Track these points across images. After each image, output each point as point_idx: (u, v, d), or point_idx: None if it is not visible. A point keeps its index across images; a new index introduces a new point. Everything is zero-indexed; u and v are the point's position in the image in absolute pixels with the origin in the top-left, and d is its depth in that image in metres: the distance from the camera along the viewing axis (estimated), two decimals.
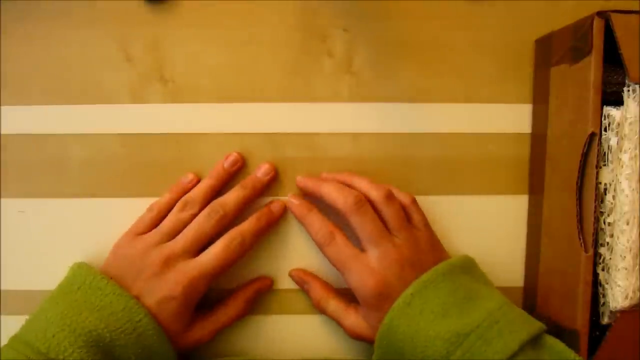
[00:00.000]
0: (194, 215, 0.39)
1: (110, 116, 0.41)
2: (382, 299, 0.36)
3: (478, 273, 0.39)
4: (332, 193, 0.38)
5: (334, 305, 0.40)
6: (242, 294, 0.41)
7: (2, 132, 0.41)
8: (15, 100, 0.41)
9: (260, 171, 0.41)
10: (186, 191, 0.40)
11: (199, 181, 0.41)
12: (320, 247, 0.39)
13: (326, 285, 0.41)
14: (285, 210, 0.42)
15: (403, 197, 0.40)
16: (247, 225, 0.39)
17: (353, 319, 0.39)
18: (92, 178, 0.42)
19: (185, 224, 0.39)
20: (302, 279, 0.42)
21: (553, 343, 0.34)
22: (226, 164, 0.41)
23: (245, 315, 0.41)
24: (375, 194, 0.38)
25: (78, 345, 0.33)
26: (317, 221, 0.39)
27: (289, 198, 0.41)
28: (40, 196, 0.42)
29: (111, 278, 0.37)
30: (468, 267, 0.38)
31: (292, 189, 0.42)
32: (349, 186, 0.39)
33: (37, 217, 0.42)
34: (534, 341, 0.34)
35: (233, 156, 0.41)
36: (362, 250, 0.38)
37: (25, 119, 0.41)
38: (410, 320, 0.35)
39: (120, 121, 0.42)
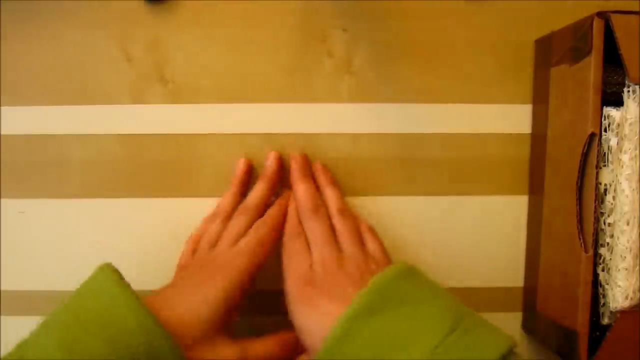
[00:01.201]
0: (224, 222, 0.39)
1: (110, 116, 0.41)
2: (309, 304, 0.33)
3: (408, 293, 0.32)
4: (299, 193, 0.39)
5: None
6: (279, 337, 0.36)
7: (2, 132, 0.41)
8: (15, 100, 0.41)
9: (269, 160, 0.41)
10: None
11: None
12: (284, 238, 0.39)
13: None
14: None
15: (360, 222, 0.40)
16: (268, 214, 0.39)
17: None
18: (92, 178, 0.42)
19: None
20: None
21: None
22: (239, 174, 0.41)
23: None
24: (332, 206, 0.39)
25: None
26: (291, 217, 0.39)
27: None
28: (40, 196, 0.42)
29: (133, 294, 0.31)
30: (390, 294, 0.31)
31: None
32: (321, 192, 0.40)
33: (37, 217, 0.42)
34: None
35: (242, 163, 0.41)
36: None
37: (25, 119, 0.41)
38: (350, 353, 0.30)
39: (120, 121, 0.42)
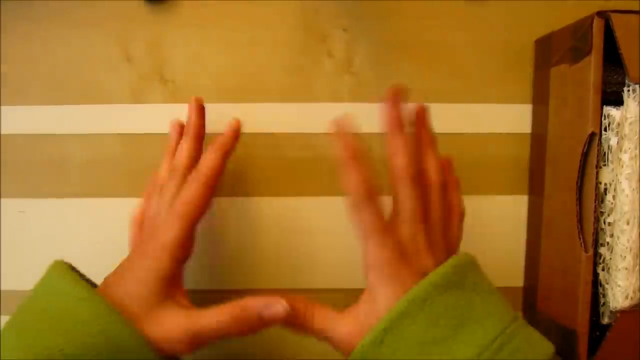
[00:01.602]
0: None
1: (110, 116, 0.41)
2: (397, 280, 0.31)
3: (474, 280, 0.32)
4: (402, 150, 0.34)
5: (319, 317, 0.32)
6: (235, 304, 0.32)
7: (2, 132, 0.41)
8: (15, 100, 0.41)
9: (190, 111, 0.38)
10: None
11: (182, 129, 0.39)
12: (356, 203, 0.32)
13: (306, 300, 0.33)
14: (237, 131, 0.37)
15: (454, 202, 0.36)
16: (201, 163, 0.35)
17: (345, 325, 0.32)
18: (92, 178, 0.42)
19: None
20: (276, 308, 0.32)
21: None
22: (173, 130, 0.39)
23: (235, 333, 0.31)
24: (433, 178, 0.35)
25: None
26: (365, 172, 0.33)
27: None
28: (40, 196, 0.42)
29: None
30: (461, 275, 0.31)
31: (293, 189, 0.42)
32: (418, 151, 0.36)
33: (37, 217, 0.42)
34: None
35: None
36: (394, 221, 0.33)
37: (25, 119, 0.41)
38: (392, 351, 0.29)
39: (120, 121, 0.42)
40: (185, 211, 0.33)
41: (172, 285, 0.32)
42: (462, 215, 0.37)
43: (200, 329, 0.31)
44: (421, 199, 0.33)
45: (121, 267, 0.34)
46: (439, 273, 0.31)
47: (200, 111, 0.38)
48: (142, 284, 0.31)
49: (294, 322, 0.32)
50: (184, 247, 0.33)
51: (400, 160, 0.34)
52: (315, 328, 0.32)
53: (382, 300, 0.31)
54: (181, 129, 0.39)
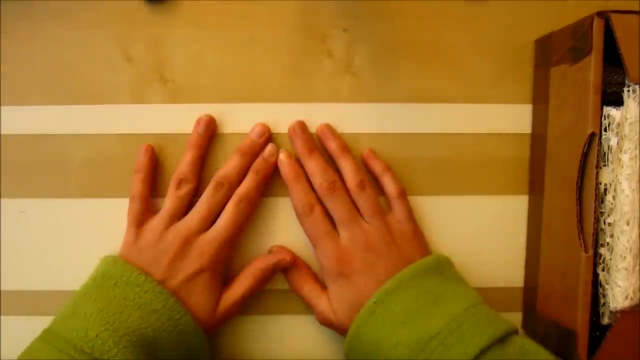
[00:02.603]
0: (192, 189, 0.40)
1: (110, 116, 0.41)
2: (343, 277, 0.38)
3: (449, 272, 0.39)
4: (314, 170, 0.40)
5: (308, 287, 0.40)
6: (253, 269, 0.40)
7: (2, 132, 0.41)
8: (15, 100, 0.41)
9: (254, 133, 0.41)
10: (148, 165, 0.40)
11: (152, 150, 0.41)
12: (299, 217, 0.40)
13: (305, 267, 0.41)
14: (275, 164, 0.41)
15: (391, 188, 0.41)
16: (249, 183, 0.40)
17: (324, 304, 0.39)
18: (92, 178, 0.42)
19: (185, 200, 0.39)
20: (283, 256, 0.40)
21: (524, 343, 0.34)
22: (200, 130, 0.40)
23: (257, 289, 0.40)
24: (350, 181, 0.40)
25: (123, 345, 0.33)
26: (302, 191, 0.40)
27: (280, 154, 0.41)
28: (40, 196, 0.42)
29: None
30: (438, 268, 0.38)
31: None
32: (336, 163, 0.41)
33: (37, 217, 0.42)
34: (501, 342, 0.34)
35: (203, 120, 0.41)
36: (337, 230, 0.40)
37: (25, 119, 0.41)
38: (374, 328, 0.36)
39: (120, 121, 0.42)
40: (229, 233, 0.39)
41: (220, 286, 0.40)
42: (401, 193, 0.41)
43: (235, 302, 0.39)
44: (345, 204, 0.39)
45: (173, 268, 0.38)
46: (423, 262, 0.38)
47: (267, 138, 0.41)
48: (207, 302, 0.38)
49: (290, 281, 0.41)
50: (227, 259, 0.40)
51: (315, 180, 0.40)
52: (303, 295, 0.41)
53: (341, 289, 0.38)
54: (210, 125, 0.41)
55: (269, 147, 0.40)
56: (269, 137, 0.41)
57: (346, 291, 0.38)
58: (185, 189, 0.39)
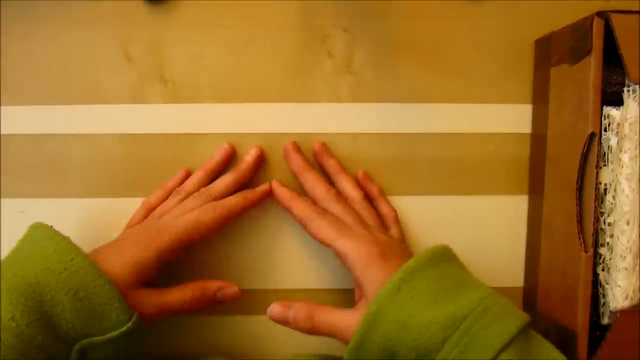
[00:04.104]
0: (181, 200, 0.40)
1: (110, 116, 0.41)
2: (383, 262, 0.35)
3: (460, 262, 0.37)
4: (315, 182, 0.40)
5: (325, 312, 0.36)
6: (194, 284, 0.38)
7: (2, 132, 0.41)
8: (15, 100, 0.41)
9: (248, 154, 0.41)
10: (176, 186, 0.41)
11: (188, 175, 0.42)
12: (310, 221, 0.38)
13: (311, 302, 0.37)
14: (268, 194, 0.41)
15: (387, 210, 0.41)
16: (234, 199, 0.39)
17: (352, 314, 0.35)
18: (92, 178, 0.42)
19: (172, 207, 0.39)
20: (230, 285, 0.38)
21: (539, 337, 0.33)
22: (217, 156, 0.41)
23: (195, 309, 0.37)
24: (353, 194, 0.40)
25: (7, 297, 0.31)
26: (306, 201, 0.39)
27: (273, 183, 0.41)
28: (40, 196, 0.42)
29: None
30: (450, 256, 0.37)
31: (294, 190, 0.42)
32: (334, 181, 0.41)
33: (37, 217, 0.42)
34: (525, 330, 0.32)
35: (223, 147, 0.41)
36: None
37: (25, 119, 0.41)
38: (401, 307, 0.33)
39: (120, 121, 0.42)
40: (188, 229, 0.37)
41: (147, 275, 0.36)
42: (396, 216, 0.41)
43: (167, 305, 0.36)
44: (353, 210, 0.39)
45: (115, 244, 0.37)
46: (434, 248, 0.35)
47: (259, 159, 0.41)
48: (125, 268, 0.34)
49: (300, 326, 0.36)
50: (171, 256, 0.36)
51: (319, 189, 0.40)
52: (321, 329, 0.36)
53: (376, 283, 0.34)
54: (230, 155, 0.42)
55: (253, 150, 0.41)
56: (260, 156, 0.41)
57: (384, 272, 0.35)
58: (176, 199, 0.40)
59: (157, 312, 0.36)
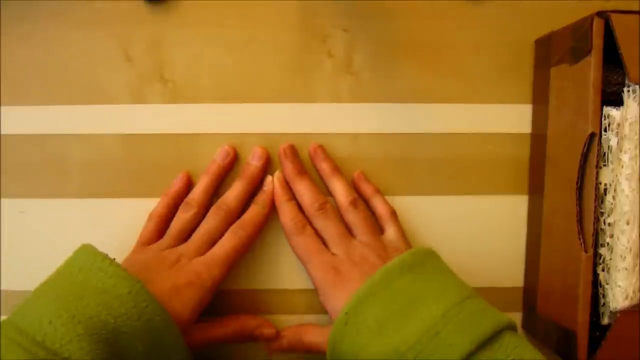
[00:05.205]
0: (197, 215, 0.40)
1: (110, 116, 0.41)
2: (338, 287, 0.36)
3: (431, 266, 0.36)
4: (304, 191, 0.40)
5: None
6: (235, 320, 0.40)
7: (2, 132, 0.41)
8: (15, 100, 0.41)
9: (254, 158, 0.41)
10: (179, 192, 0.41)
11: (189, 179, 0.41)
12: (289, 235, 0.40)
13: (297, 326, 0.41)
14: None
15: (382, 209, 0.41)
16: (249, 213, 0.40)
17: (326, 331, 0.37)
18: (92, 178, 0.42)
19: (190, 224, 0.40)
20: (268, 325, 0.40)
21: (517, 344, 0.31)
22: (218, 159, 0.41)
23: (232, 342, 0.40)
24: (341, 199, 0.40)
25: (77, 332, 0.30)
26: (291, 211, 0.40)
27: (275, 179, 0.41)
28: (40, 196, 0.42)
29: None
30: (416, 263, 0.35)
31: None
32: (327, 184, 0.41)
33: (37, 217, 0.42)
34: (490, 343, 0.31)
35: (224, 150, 0.41)
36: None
37: (25, 119, 0.41)
38: (350, 340, 0.34)
39: (120, 121, 0.42)
40: (232, 259, 0.38)
41: (200, 313, 0.37)
42: (392, 213, 0.41)
43: (210, 339, 0.38)
44: (336, 224, 0.39)
45: (164, 279, 0.36)
46: (395, 261, 0.35)
47: (266, 161, 0.41)
48: (188, 311, 0.35)
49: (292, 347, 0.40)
50: (218, 286, 0.38)
51: (304, 201, 0.40)
52: (305, 343, 0.39)
53: (337, 302, 0.36)
54: (233, 157, 0.41)
55: (268, 179, 0.41)
56: (268, 159, 0.41)
57: (340, 301, 0.35)
58: (190, 213, 0.40)
59: (201, 345, 0.37)
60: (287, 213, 0.40)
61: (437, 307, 0.32)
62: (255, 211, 0.40)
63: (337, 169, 0.41)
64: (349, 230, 0.40)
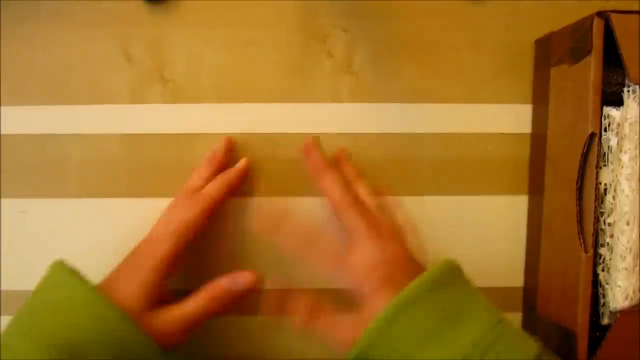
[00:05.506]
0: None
1: (110, 116, 0.41)
2: (387, 279, 0.34)
3: (462, 281, 0.35)
4: (334, 184, 0.38)
5: (324, 319, 0.36)
6: (206, 287, 0.36)
7: (2, 132, 0.41)
8: (15, 100, 0.41)
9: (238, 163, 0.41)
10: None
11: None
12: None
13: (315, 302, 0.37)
14: (246, 171, 0.40)
15: (402, 220, 0.40)
16: (205, 188, 0.38)
17: (349, 327, 0.34)
18: (92, 178, 0.42)
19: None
20: (246, 275, 0.37)
21: None
22: (217, 149, 0.41)
23: (216, 311, 0.36)
24: (369, 201, 0.38)
25: (32, 349, 0.30)
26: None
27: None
28: (40, 196, 0.42)
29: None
30: (451, 276, 0.34)
31: (294, 190, 0.42)
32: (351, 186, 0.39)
33: (37, 217, 0.42)
34: None
35: (224, 139, 0.41)
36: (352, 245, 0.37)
37: (25, 119, 0.41)
38: (391, 346, 0.31)
39: (120, 121, 0.42)
40: (179, 232, 0.36)
41: (159, 291, 0.35)
42: (412, 226, 0.40)
43: (187, 317, 0.35)
44: (369, 218, 0.37)
45: (118, 270, 0.36)
46: (429, 274, 0.33)
47: (230, 144, 0.41)
48: (135, 294, 0.34)
49: (300, 322, 0.36)
50: (172, 263, 0.36)
51: (335, 194, 0.37)
52: (318, 330, 0.36)
53: (381, 301, 0.33)
54: (230, 147, 0.41)
55: (240, 163, 0.40)
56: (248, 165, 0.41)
57: (384, 296, 0.33)
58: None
59: (182, 328, 0.35)
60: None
61: (483, 323, 0.32)
62: (214, 186, 0.38)
63: (360, 174, 0.40)
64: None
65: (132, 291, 0.34)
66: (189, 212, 0.37)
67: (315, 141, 0.40)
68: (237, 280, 0.37)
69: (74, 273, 0.34)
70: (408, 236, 0.39)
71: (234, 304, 0.37)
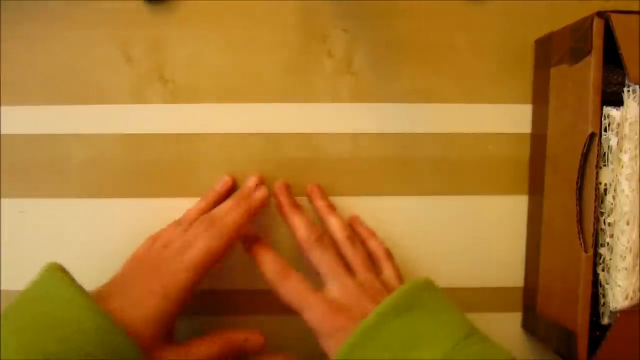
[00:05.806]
0: (185, 230, 0.38)
1: (110, 116, 0.41)
2: (340, 330, 0.34)
3: (427, 301, 0.34)
4: (300, 224, 0.38)
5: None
6: (219, 337, 0.36)
7: (2, 132, 0.41)
8: (15, 100, 0.41)
9: (249, 181, 0.41)
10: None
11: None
12: (276, 283, 0.36)
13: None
14: (266, 199, 0.40)
15: (379, 250, 0.40)
16: (228, 216, 0.37)
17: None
18: (92, 178, 0.42)
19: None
20: (255, 336, 0.37)
21: None
22: (218, 188, 0.41)
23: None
24: (339, 234, 0.39)
25: None
26: (271, 257, 0.37)
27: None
28: (40, 196, 0.42)
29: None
30: (411, 300, 0.34)
31: (293, 189, 0.42)
32: (323, 220, 0.40)
33: (37, 217, 0.42)
34: None
35: (224, 180, 0.41)
36: (322, 285, 0.37)
37: (25, 119, 0.41)
38: None
39: (120, 121, 0.42)
40: (202, 261, 0.35)
41: (172, 321, 0.34)
42: (388, 254, 0.40)
43: (194, 357, 0.35)
44: (334, 257, 0.37)
45: (121, 284, 0.35)
46: (386, 302, 0.33)
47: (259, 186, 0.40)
48: (148, 323, 0.33)
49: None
50: (191, 292, 0.35)
51: (300, 233, 0.38)
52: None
53: (331, 350, 0.33)
54: (231, 187, 0.41)
55: (261, 193, 0.40)
56: (261, 182, 0.41)
57: (338, 294, 0.35)
58: (179, 229, 0.38)
59: None
60: (267, 261, 0.37)
61: (432, 353, 0.31)
62: (236, 213, 0.37)
63: (334, 207, 0.41)
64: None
65: (144, 317, 0.33)
66: (215, 239, 0.36)
67: (284, 185, 0.41)
68: (252, 342, 0.37)
69: (80, 290, 0.32)
70: (382, 262, 0.39)
71: (235, 358, 0.37)
